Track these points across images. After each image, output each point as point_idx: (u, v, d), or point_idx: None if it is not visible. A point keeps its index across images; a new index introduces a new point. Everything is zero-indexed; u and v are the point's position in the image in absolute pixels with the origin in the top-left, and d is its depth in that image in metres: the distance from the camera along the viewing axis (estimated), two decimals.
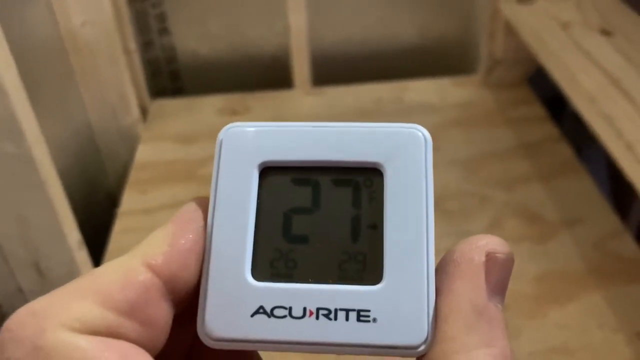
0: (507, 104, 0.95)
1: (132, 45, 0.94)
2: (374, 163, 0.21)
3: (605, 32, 0.78)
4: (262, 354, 0.23)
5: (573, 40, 0.78)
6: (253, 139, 0.21)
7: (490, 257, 0.19)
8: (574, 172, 0.81)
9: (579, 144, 0.91)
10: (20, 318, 0.17)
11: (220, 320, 0.19)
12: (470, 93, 0.97)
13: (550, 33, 0.81)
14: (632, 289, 0.65)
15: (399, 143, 0.21)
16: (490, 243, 0.19)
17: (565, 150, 0.86)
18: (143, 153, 0.90)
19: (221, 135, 0.21)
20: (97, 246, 0.75)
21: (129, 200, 0.82)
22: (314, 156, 0.21)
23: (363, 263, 0.20)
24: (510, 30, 0.89)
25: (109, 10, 0.85)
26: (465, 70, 1.05)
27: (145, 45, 1.04)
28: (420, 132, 0.21)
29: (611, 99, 0.66)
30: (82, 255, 0.66)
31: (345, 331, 0.19)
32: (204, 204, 0.21)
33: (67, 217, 0.63)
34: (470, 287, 0.18)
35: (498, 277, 0.19)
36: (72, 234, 0.64)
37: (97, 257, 0.72)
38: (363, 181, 0.21)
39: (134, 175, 0.86)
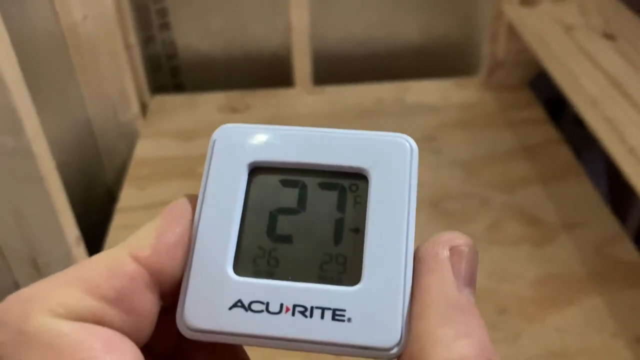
0: (508, 106, 0.95)
1: (133, 40, 0.93)
2: (360, 169, 0.21)
3: (608, 36, 0.78)
4: (250, 353, 0.23)
5: (576, 43, 0.78)
6: (245, 139, 0.22)
7: (454, 251, 0.19)
8: (574, 176, 0.81)
9: (578, 147, 0.91)
10: (7, 304, 0.17)
11: (199, 311, 0.20)
12: (472, 94, 0.97)
13: (553, 36, 0.80)
14: (631, 293, 0.65)
15: (385, 151, 0.21)
16: (453, 237, 0.20)
17: (565, 153, 0.85)
18: (142, 149, 0.90)
19: (214, 135, 0.22)
20: (95, 242, 0.74)
21: (127, 196, 0.82)
22: (302, 159, 0.22)
23: (343, 265, 0.20)
24: (512, 33, 0.88)
25: (110, 5, 0.84)
26: (467, 72, 1.05)
27: (146, 40, 1.03)
28: (407, 142, 0.22)
29: (614, 103, 0.66)
30: (80, 251, 0.65)
31: (320, 329, 0.19)
32: (193, 200, 0.21)
33: (65, 213, 0.62)
34: (439, 282, 0.19)
35: (465, 269, 0.19)
36: (70, 229, 0.63)
37: (95, 253, 0.72)
38: (349, 186, 0.21)
39: (133, 171, 0.86)
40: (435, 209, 0.76)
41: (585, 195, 0.78)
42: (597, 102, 0.67)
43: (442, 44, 1.05)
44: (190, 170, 0.84)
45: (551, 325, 0.62)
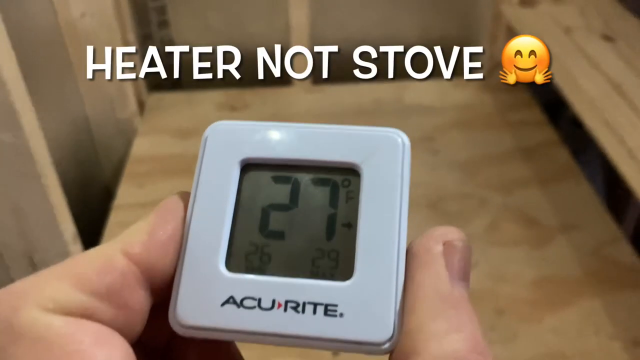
0: (506, 107, 0.95)
1: (131, 37, 0.93)
2: (352, 164, 0.21)
3: (608, 38, 0.78)
4: (244, 352, 0.23)
5: (575, 45, 0.78)
6: (237, 136, 0.22)
7: (448, 245, 0.19)
8: (572, 177, 0.81)
9: (576, 148, 0.91)
10: None
11: (191, 308, 0.20)
12: (470, 95, 0.97)
13: (553, 37, 0.80)
14: (628, 295, 0.65)
15: (377, 146, 0.21)
16: (446, 232, 0.20)
17: (563, 155, 0.85)
18: (140, 146, 0.90)
19: (207, 132, 0.22)
20: (92, 239, 0.74)
21: (124, 193, 0.81)
22: (295, 155, 0.22)
23: (336, 260, 0.20)
24: (512, 33, 0.88)
25: (109, 2, 0.84)
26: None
27: (144, 38, 1.03)
28: (399, 137, 0.22)
29: (613, 105, 0.66)
30: (76, 248, 0.65)
31: (312, 324, 0.19)
32: (186, 197, 0.21)
33: (62, 209, 0.62)
34: (431, 276, 0.19)
35: (458, 263, 0.19)
36: (67, 226, 0.63)
37: None
38: (341, 181, 0.21)
39: (130, 169, 0.86)
40: (433, 209, 0.76)
41: (583, 196, 0.78)
42: (596, 104, 0.67)
43: (441, 45, 1.05)
44: (188, 168, 0.84)
45: (548, 326, 0.62)
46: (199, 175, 0.22)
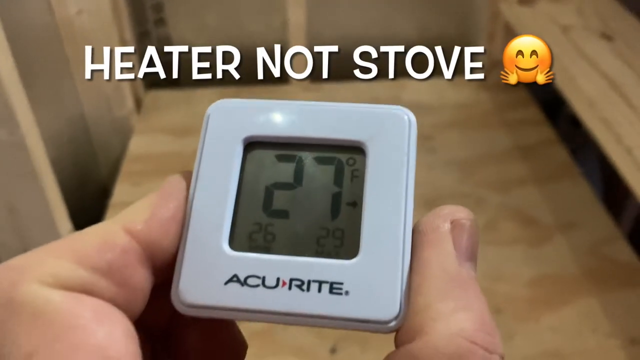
0: (504, 106, 0.94)
1: (128, 35, 0.93)
2: (357, 142, 0.21)
3: (606, 37, 0.78)
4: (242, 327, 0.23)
5: (573, 43, 0.78)
6: (240, 114, 0.22)
7: (455, 224, 0.19)
8: (570, 176, 0.81)
9: (574, 147, 0.91)
10: None
11: (194, 287, 0.19)
12: (468, 94, 0.97)
13: (551, 36, 0.80)
14: (626, 294, 0.65)
15: (383, 123, 0.21)
16: (454, 211, 0.19)
17: (561, 154, 0.85)
18: (136, 145, 0.89)
19: (209, 110, 0.22)
20: None
21: (121, 192, 0.81)
22: (298, 133, 0.21)
23: (341, 239, 0.20)
24: (510, 32, 0.88)
25: (106, 0, 0.84)
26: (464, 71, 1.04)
27: (141, 35, 1.03)
28: (405, 114, 0.21)
29: (611, 104, 0.66)
30: None
31: (317, 303, 0.19)
32: (188, 176, 0.21)
33: (58, 208, 0.62)
34: (439, 255, 0.18)
35: (466, 242, 0.19)
36: (63, 224, 0.63)
37: None
38: (346, 159, 0.21)
39: (126, 167, 0.85)
40: (430, 208, 0.76)
41: (581, 195, 0.78)
42: (594, 103, 0.67)
43: (439, 43, 1.05)
44: (185, 167, 0.83)
45: (546, 325, 0.62)
46: (201, 153, 0.21)
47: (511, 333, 0.61)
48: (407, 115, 0.21)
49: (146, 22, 1.02)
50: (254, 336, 0.58)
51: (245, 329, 0.22)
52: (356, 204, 0.20)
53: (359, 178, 0.20)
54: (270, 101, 0.22)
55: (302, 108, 0.22)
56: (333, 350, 0.59)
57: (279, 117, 0.21)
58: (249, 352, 0.23)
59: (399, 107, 0.22)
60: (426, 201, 0.77)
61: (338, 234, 0.20)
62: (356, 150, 0.21)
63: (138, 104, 0.96)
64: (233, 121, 0.22)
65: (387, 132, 0.21)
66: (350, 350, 0.59)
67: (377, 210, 0.20)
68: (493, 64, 0.95)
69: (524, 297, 0.65)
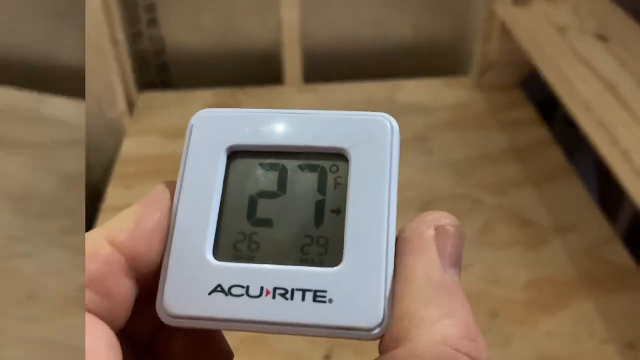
0: (499, 107, 0.94)
1: (120, 36, 0.92)
2: (340, 149, 0.21)
3: (602, 38, 0.78)
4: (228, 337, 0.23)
5: (569, 44, 0.77)
6: (223, 124, 0.22)
7: (440, 231, 0.19)
8: (566, 178, 0.81)
9: (569, 148, 0.91)
10: None
11: (179, 297, 0.19)
12: (463, 95, 0.96)
13: (547, 37, 0.80)
14: (624, 297, 0.65)
15: (365, 130, 0.21)
16: (439, 217, 0.19)
17: (557, 155, 0.85)
18: (129, 147, 0.89)
19: (192, 120, 0.22)
20: None
21: (113, 195, 0.80)
22: (281, 141, 0.21)
23: (325, 247, 0.20)
24: (505, 33, 0.88)
25: (97, 0, 0.83)
26: (459, 72, 1.04)
27: (134, 36, 1.02)
28: (388, 121, 0.21)
29: (607, 105, 0.66)
30: None
31: (301, 311, 0.19)
32: (172, 187, 0.21)
33: None
34: (423, 261, 0.18)
35: (451, 249, 0.19)
36: None
37: None
38: (329, 167, 0.21)
39: (119, 170, 0.84)
40: (426, 210, 0.75)
41: (577, 197, 0.78)
42: (590, 105, 0.66)
43: (434, 44, 1.05)
44: (178, 170, 0.83)
45: (543, 329, 0.62)
46: (185, 163, 0.21)
47: (507, 338, 0.61)
48: (390, 122, 0.21)
49: (139, 23, 1.01)
50: (247, 343, 0.58)
51: (238, 336, 0.22)
52: (340, 212, 0.20)
53: (342, 185, 0.21)
54: (254, 110, 0.22)
55: (285, 117, 0.22)
56: (327, 357, 0.58)
57: (262, 126, 0.22)
58: (242, 358, 0.23)
59: (382, 114, 0.22)
60: (421, 203, 0.76)
61: (322, 242, 0.20)
62: (339, 157, 0.21)
63: (131, 105, 0.95)
64: (216, 131, 0.22)
65: (370, 139, 0.21)
66: (345, 357, 0.58)
67: (360, 218, 0.20)
68: (489, 65, 0.94)
69: (521, 300, 0.65)
